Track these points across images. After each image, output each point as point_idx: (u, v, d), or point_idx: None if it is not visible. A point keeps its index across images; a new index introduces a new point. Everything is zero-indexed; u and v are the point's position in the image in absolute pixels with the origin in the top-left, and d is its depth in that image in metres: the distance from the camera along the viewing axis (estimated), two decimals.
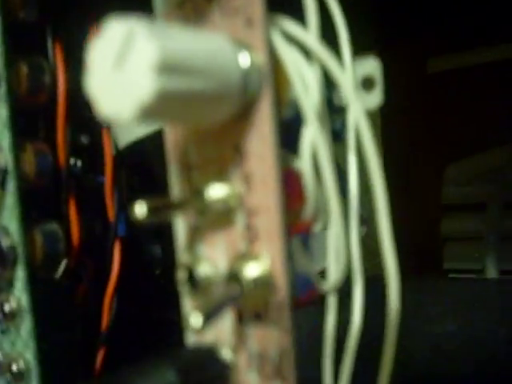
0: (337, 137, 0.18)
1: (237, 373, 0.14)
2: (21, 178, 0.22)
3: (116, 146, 0.25)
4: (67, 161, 0.24)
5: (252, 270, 0.13)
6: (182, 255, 0.15)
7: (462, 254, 0.57)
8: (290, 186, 0.15)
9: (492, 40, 0.53)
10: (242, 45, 0.13)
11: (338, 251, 0.16)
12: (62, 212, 0.23)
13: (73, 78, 0.24)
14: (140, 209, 0.12)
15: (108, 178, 0.25)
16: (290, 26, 0.14)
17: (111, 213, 0.25)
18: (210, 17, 0.14)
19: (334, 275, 0.16)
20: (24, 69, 0.22)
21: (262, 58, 0.13)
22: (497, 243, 0.53)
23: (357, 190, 0.17)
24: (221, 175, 0.14)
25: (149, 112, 0.11)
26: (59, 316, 0.23)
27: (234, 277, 0.13)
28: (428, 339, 0.35)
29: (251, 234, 0.14)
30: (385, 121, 0.56)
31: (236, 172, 0.14)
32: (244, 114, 0.13)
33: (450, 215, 0.58)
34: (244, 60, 0.13)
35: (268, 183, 0.13)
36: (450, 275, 0.57)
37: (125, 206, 0.26)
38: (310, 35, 0.15)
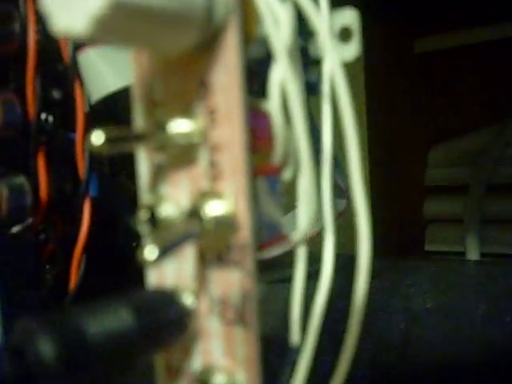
0: (312, 90, 0.18)
1: (197, 318, 0.14)
2: None
3: (89, 102, 0.24)
4: (37, 114, 0.23)
5: (214, 208, 0.13)
6: (144, 196, 0.14)
7: (444, 236, 0.57)
8: (258, 127, 0.14)
9: (478, 21, 0.53)
10: None
11: (307, 200, 0.15)
12: (30, 166, 0.23)
13: (45, 30, 0.23)
14: (97, 139, 0.12)
15: (79, 134, 0.24)
16: None
17: (81, 171, 0.24)
18: None
19: (303, 225, 0.15)
20: None
21: None
22: (478, 226, 0.53)
23: (331, 140, 0.16)
24: (185, 110, 0.13)
25: (103, 26, 0.10)
26: (25, 271, 0.22)
27: (194, 214, 0.13)
28: (405, 315, 0.34)
29: (215, 172, 0.13)
30: (370, 100, 0.55)
31: (200, 107, 0.13)
32: (209, 45, 0.13)
33: (432, 197, 0.58)
34: None
35: (233, 118, 0.13)
36: (432, 257, 0.57)
37: (96, 166, 0.25)
38: None
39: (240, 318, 0.13)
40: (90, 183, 0.24)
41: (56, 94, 0.24)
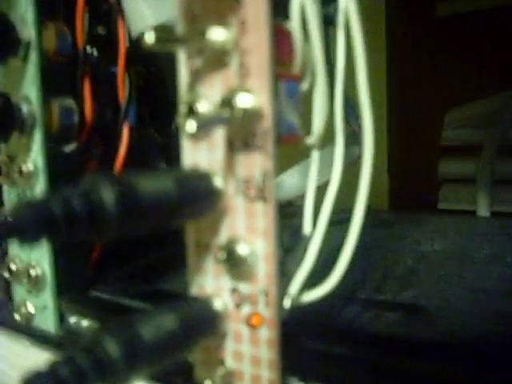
0: (329, 21, 0.20)
1: (226, 199, 0.17)
2: (42, 52, 0.24)
3: (129, 38, 0.27)
4: (84, 46, 0.26)
5: (242, 100, 0.15)
6: (184, 94, 0.17)
7: (457, 195, 0.59)
8: (281, 41, 0.17)
9: None
10: None
11: (320, 107, 0.18)
12: (77, 90, 0.26)
13: None
14: (149, 36, 0.14)
15: (121, 67, 0.27)
16: None
17: (122, 100, 0.27)
18: None
19: (317, 129, 0.18)
20: None
21: None
22: (490, 185, 0.55)
23: (343, 60, 0.19)
24: (220, 21, 0.16)
25: None
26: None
27: (226, 102, 0.15)
28: (412, 254, 0.37)
29: (244, 71, 0.16)
30: (390, 61, 0.57)
31: (233, 18, 0.16)
32: None
33: (447, 157, 0.60)
34: None
35: (260, 27, 0.15)
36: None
37: (134, 98, 0.28)
38: None
39: (261, 195, 0.16)
40: (129, 112, 0.27)
41: (100, 30, 0.27)
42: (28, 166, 0.24)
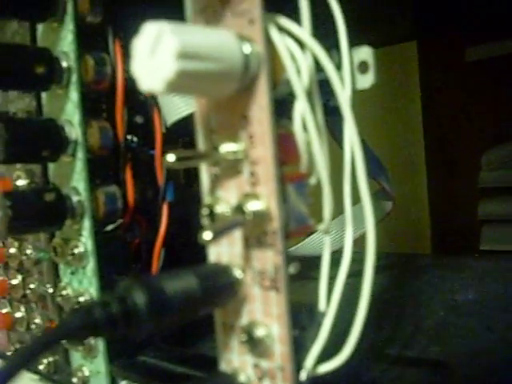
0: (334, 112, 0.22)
1: (244, 286, 0.19)
2: (88, 148, 0.27)
3: (165, 125, 0.30)
4: (125, 136, 0.29)
5: (253, 205, 0.18)
6: (206, 198, 0.20)
7: (498, 236, 0.60)
8: (287, 145, 0.19)
9: None
10: (245, 38, 0.18)
11: (327, 200, 0.20)
12: (120, 177, 0.29)
13: (129, 69, 0.29)
14: (170, 157, 0.17)
15: (158, 151, 0.30)
16: (288, 23, 0.19)
17: (160, 181, 0.30)
18: (223, 17, 0.19)
19: (327, 216, 0.20)
20: (90, 62, 0.27)
21: (260, 47, 0.18)
22: None
23: (349, 154, 0.21)
24: (232, 136, 0.18)
25: (173, 87, 0.16)
26: (117, 260, 0.28)
27: (239, 209, 0.18)
28: (446, 304, 0.38)
29: (254, 180, 0.18)
30: (426, 108, 0.59)
31: (243, 133, 0.18)
32: (248, 89, 0.18)
33: (486, 199, 0.61)
34: (246, 49, 0.18)
35: (265, 141, 0.18)
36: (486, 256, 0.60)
37: (173, 176, 0.31)
38: (304, 30, 0.19)
39: (274, 285, 0.18)
40: (167, 190, 0.30)
41: (139, 119, 0.30)
42: (80, 249, 0.27)
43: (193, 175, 0.34)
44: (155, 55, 0.16)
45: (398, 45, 0.62)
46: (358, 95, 0.22)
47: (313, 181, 0.20)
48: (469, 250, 0.61)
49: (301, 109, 0.19)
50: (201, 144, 0.20)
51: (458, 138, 0.62)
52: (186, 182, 0.35)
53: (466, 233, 0.62)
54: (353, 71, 0.22)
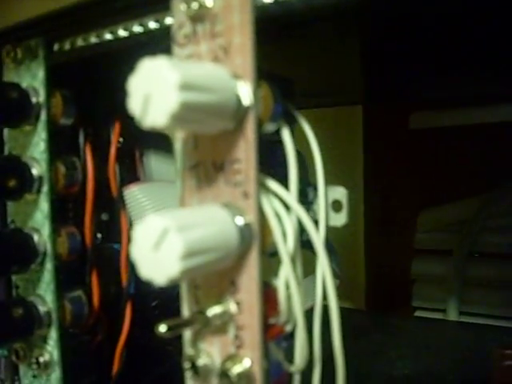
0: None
1: None
2: (56, 257, 0.27)
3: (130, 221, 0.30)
4: (92, 237, 0.29)
5: (238, 368, 0.19)
6: (188, 349, 0.20)
7: (429, 294, 0.63)
8: (269, 300, 0.20)
9: (467, 103, 0.58)
10: (238, 210, 0.19)
11: (302, 348, 0.21)
12: (86, 281, 0.29)
13: (97, 168, 0.29)
14: (163, 328, 0.18)
15: (124, 247, 0.30)
16: (277, 187, 0.20)
17: (124, 277, 0.30)
18: (216, 182, 0.19)
19: (299, 362, 0.22)
20: (62, 169, 0.27)
21: (252, 219, 0.19)
22: (459, 287, 0.59)
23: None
24: (219, 298, 0.19)
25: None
26: (81, 365, 0.28)
27: (224, 374, 0.19)
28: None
29: (239, 342, 0.19)
30: (367, 169, 0.62)
31: (230, 298, 0.19)
32: (241, 258, 0.19)
33: (419, 258, 0.64)
34: (240, 221, 0.19)
35: (253, 309, 0.19)
36: (417, 313, 0.63)
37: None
38: (291, 195, 0.20)
39: None
40: (130, 291, 0.30)
41: (104, 216, 0.31)
42: (45, 358, 0.27)
43: None
44: (158, 251, 0.16)
45: (346, 107, 0.64)
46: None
47: (289, 328, 0.21)
48: (402, 306, 0.64)
49: (285, 272, 0.20)
50: (185, 305, 0.20)
51: (396, 199, 0.65)
52: None
53: (400, 290, 0.64)
54: (327, 210, 0.23)
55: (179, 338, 0.20)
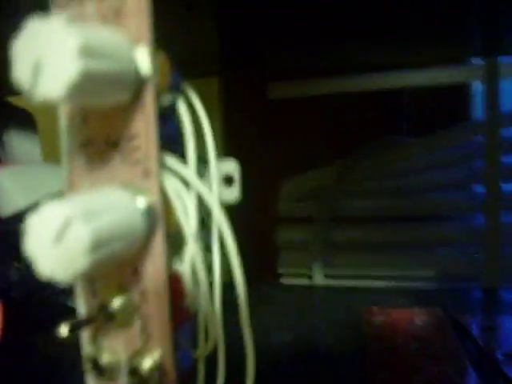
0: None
1: None
2: None
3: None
4: None
5: (148, 362, 0.17)
6: (86, 347, 0.18)
7: (293, 261, 0.65)
8: (175, 285, 0.19)
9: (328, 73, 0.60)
10: (139, 191, 0.17)
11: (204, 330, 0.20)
12: None
13: None
14: (63, 330, 0.16)
15: None
16: (175, 163, 0.18)
17: None
18: (111, 161, 0.17)
19: (202, 348, 0.20)
20: None
21: (155, 200, 0.17)
22: (322, 252, 0.61)
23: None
24: (120, 289, 0.18)
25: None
26: None
27: (133, 371, 0.17)
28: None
29: (146, 335, 0.18)
30: (226, 141, 0.61)
31: (133, 288, 0.18)
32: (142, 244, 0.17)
33: (282, 227, 0.65)
34: (142, 203, 0.17)
35: (160, 298, 0.17)
36: (283, 279, 0.65)
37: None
38: (189, 171, 0.19)
39: None
40: None
41: None
42: None
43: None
44: (60, 244, 0.14)
45: (202, 80, 0.63)
46: None
47: (193, 308, 0.20)
48: (268, 274, 0.65)
49: (191, 253, 0.19)
50: (82, 303, 0.18)
51: (256, 170, 0.66)
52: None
53: (265, 258, 0.65)
54: (219, 185, 0.22)
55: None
